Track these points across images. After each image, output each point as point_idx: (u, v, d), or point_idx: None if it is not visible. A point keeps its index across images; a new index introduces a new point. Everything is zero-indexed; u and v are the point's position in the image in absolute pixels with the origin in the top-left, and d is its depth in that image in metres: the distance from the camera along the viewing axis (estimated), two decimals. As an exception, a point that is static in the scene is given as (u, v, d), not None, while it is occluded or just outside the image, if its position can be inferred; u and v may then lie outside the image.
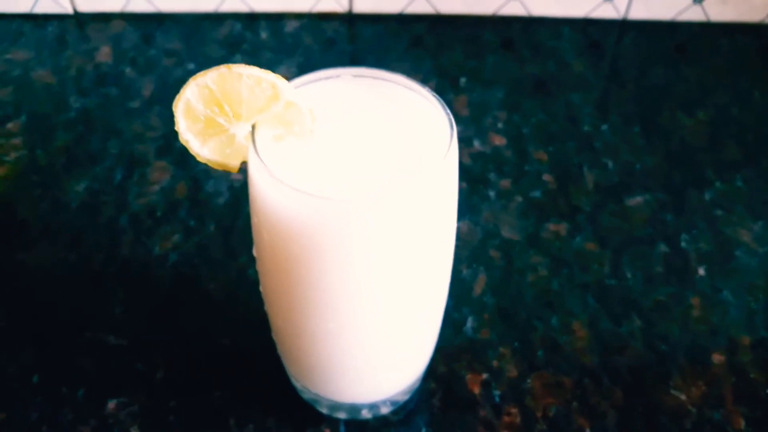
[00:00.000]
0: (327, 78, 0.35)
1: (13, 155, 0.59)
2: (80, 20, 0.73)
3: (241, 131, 0.31)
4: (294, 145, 0.32)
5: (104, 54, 0.69)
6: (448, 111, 0.33)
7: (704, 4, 0.72)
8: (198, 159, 0.32)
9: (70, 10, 0.73)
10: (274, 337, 0.42)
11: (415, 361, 0.41)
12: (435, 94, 0.34)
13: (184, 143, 0.31)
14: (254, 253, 0.37)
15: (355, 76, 0.36)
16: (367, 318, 0.34)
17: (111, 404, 0.44)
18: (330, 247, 0.31)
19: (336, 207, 0.29)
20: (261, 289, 0.39)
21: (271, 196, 0.31)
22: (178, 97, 0.30)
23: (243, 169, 0.34)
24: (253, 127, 0.31)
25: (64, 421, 0.44)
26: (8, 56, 0.68)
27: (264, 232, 0.33)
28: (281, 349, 0.42)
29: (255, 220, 0.34)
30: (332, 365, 0.38)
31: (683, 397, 0.45)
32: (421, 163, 0.31)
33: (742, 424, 0.44)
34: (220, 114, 0.30)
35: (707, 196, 0.58)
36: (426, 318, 0.38)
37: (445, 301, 0.39)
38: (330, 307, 0.33)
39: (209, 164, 0.32)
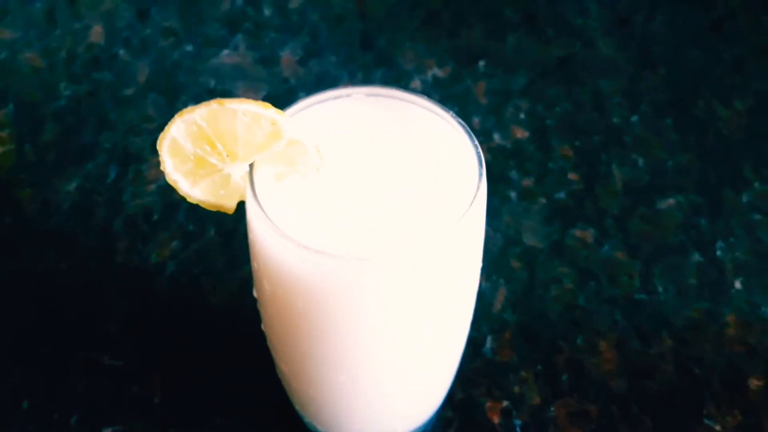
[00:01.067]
0: (336, 98, 0.31)
1: (0, 149, 0.56)
2: (70, -5, 0.68)
3: (238, 171, 0.27)
4: (298, 184, 0.28)
5: (96, 34, 0.64)
6: (476, 140, 0.29)
7: (745, -22, 0.66)
8: (188, 200, 0.28)
9: (59, -16, 0.67)
10: (279, 375, 0.39)
11: (429, 403, 0.38)
12: (460, 120, 0.30)
13: (172, 184, 0.28)
14: (254, 294, 0.33)
15: (368, 95, 0.31)
16: (379, 372, 0.31)
17: (107, 431, 0.42)
18: (339, 305, 0.27)
19: (347, 266, 0.26)
20: (263, 327, 0.35)
21: (272, 247, 0.27)
22: (162, 134, 0.27)
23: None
24: (251, 166, 0.27)
25: (56, 452, 0.41)
26: (-6, 36, 0.64)
27: (265, 281, 0.29)
28: (285, 385, 0.38)
29: (255, 266, 0.30)
30: (342, 410, 0.35)
31: (718, 427, 0.43)
32: (444, 210, 0.27)
33: (782, 458, 0.41)
34: (213, 153, 0.27)
35: (745, 198, 0.53)
36: (442, 365, 0.34)
37: (462, 348, 0.36)
38: (339, 361, 0.30)
39: (201, 205, 0.28)
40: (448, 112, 0.30)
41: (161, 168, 0.27)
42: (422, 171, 0.29)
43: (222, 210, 0.29)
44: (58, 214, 0.52)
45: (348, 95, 0.31)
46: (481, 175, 0.28)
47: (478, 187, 0.27)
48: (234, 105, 0.26)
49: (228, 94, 0.59)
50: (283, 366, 0.35)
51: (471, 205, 0.26)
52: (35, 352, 0.45)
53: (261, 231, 0.27)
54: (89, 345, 0.45)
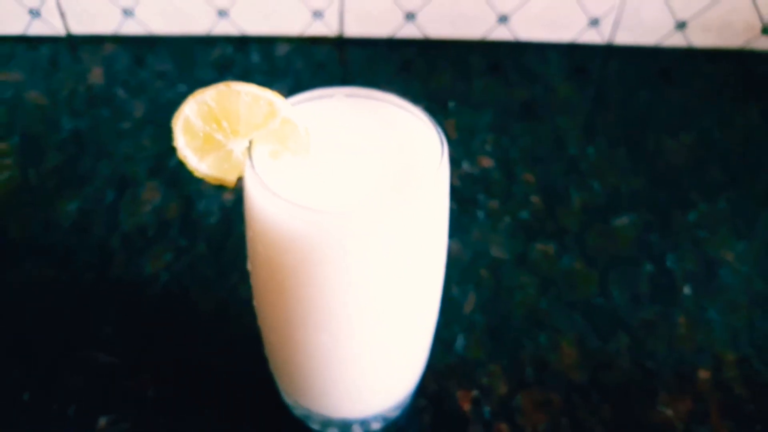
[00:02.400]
0: (321, 97, 0.36)
1: (4, 174, 0.60)
2: (73, 42, 0.73)
3: (239, 147, 0.32)
4: (290, 162, 0.33)
5: (96, 75, 0.70)
6: (439, 128, 0.34)
7: (686, 30, 0.74)
8: (195, 174, 0.33)
9: (62, 33, 0.73)
10: (267, 353, 0.42)
11: (407, 375, 0.41)
12: (426, 112, 0.35)
13: (182, 159, 0.32)
14: (248, 267, 0.37)
15: (348, 95, 0.36)
16: (361, 329, 0.35)
17: (102, 421, 0.44)
18: (325, 259, 0.31)
19: (331, 220, 0.30)
20: (254, 303, 0.39)
21: (267, 210, 0.31)
22: (177, 113, 0.31)
23: (237, 187, 0.34)
24: (250, 143, 0.32)
25: (54, 439, 0.44)
26: (0, 78, 0.69)
27: (259, 245, 0.33)
28: (273, 365, 0.42)
29: (250, 234, 0.34)
30: (325, 379, 0.38)
31: (670, 412, 0.46)
32: (415, 177, 0.32)
33: (729, 439, 0.45)
34: (219, 130, 0.31)
35: (691, 218, 0.59)
36: (418, 329, 0.38)
37: (437, 313, 0.40)
38: (324, 318, 0.34)
39: (206, 179, 0.33)
40: (415, 106, 0.35)
41: (174, 144, 0.32)
42: (395, 151, 0.34)
43: (224, 184, 0.33)
44: (59, 231, 0.55)
45: (331, 95, 0.36)
46: (443, 151, 0.32)
47: (441, 159, 0.32)
48: (238, 87, 0.30)
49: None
50: (272, 335, 0.38)
51: (437, 170, 0.31)
52: (36, 351, 0.48)
53: (257, 196, 0.31)
54: (86, 344, 0.48)
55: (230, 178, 0.33)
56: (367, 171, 0.33)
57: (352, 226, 0.30)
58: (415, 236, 0.32)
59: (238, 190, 0.59)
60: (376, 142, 0.34)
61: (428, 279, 0.35)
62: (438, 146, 0.33)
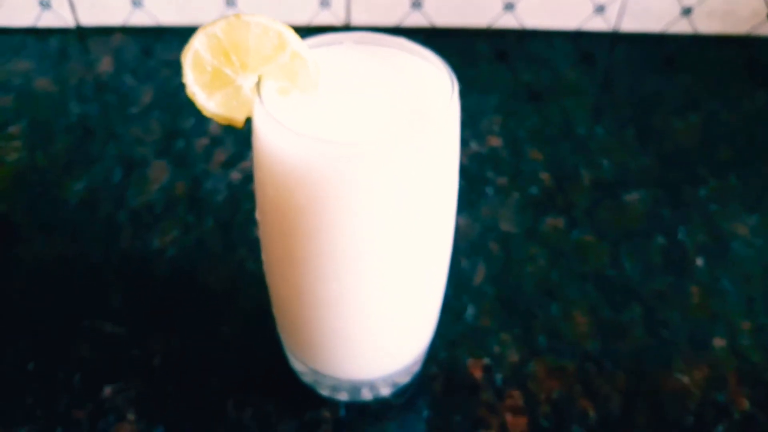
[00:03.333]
0: (330, 44, 0.36)
1: (13, 156, 0.60)
2: (82, 34, 0.74)
3: (248, 83, 0.32)
4: (299, 99, 0.33)
5: (105, 65, 0.70)
6: (450, 69, 0.34)
7: (692, 16, 0.74)
8: (204, 113, 0.32)
9: (72, 24, 0.74)
10: (275, 311, 0.42)
11: (416, 334, 0.41)
12: (436, 54, 0.35)
13: (190, 96, 0.32)
14: (257, 216, 0.37)
15: (357, 42, 0.36)
16: (370, 275, 0.34)
17: (107, 389, 0.44)
18: (335, 194, 0.31)
19: (341, 150, 0.30)
20: (263, 257, 0.39)
21: (276, 144, 0.31)
22: (186, 47, 0.31)
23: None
24: (259, 79, 0.32)
25: (59, 406, 0.43)
26: (10, 67, 0.69)
27: (268, 186, 0.33)
28: (281, 323, 0.41)
29: (259, 176, 0.34)
30: (333, 334, 0.38)
31: (686, 379, 0.45)
32: (426, 113, 0.32)
33: (747, 405, 0.44)
34: (227, 64, 0.31)
35: (702, 193, 0.58)
36: (428, 281, 0.37)
37: (447, 266, 0.39)
38: (333, 263, 0.33)
39: (215, 119, 0.33)
40: (425, 48, 0.35)
41: (183, 80, 0.32)
42: (405, 91, 0.33)
43: (232, 123, 0.33)
44: (67, 209, 0.55)
45: (340, 42, 0.36)
46: (453, 88, 0.32)
47: (452, 96, 0.32)
48: (248, 18, 0.30)
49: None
50: (281, 288, 0.37)
51: (448, 105, 0.31)
52: (41, 322, 0.47)
53: (265, 130, 0.31)
54: (93, 315, 0.48)
55: (239, 117, 0.33)
56: (377, 108, 0.32)
57: (363, 157, 0.30)
58: (426, 170, 0.31)
59: (245, 170, 0.59)
60: (386, 83, 0.34)
61: (439, 221, 0.34)
62: (448, 85, 0.33)
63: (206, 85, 0.31)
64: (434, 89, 0.33)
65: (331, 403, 0.43)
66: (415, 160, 0.30)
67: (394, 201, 0.31)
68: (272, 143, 0.31)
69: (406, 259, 0.34)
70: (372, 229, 0.32)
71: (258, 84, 0.32)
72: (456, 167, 0.34)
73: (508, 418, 0.43)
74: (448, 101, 0.32)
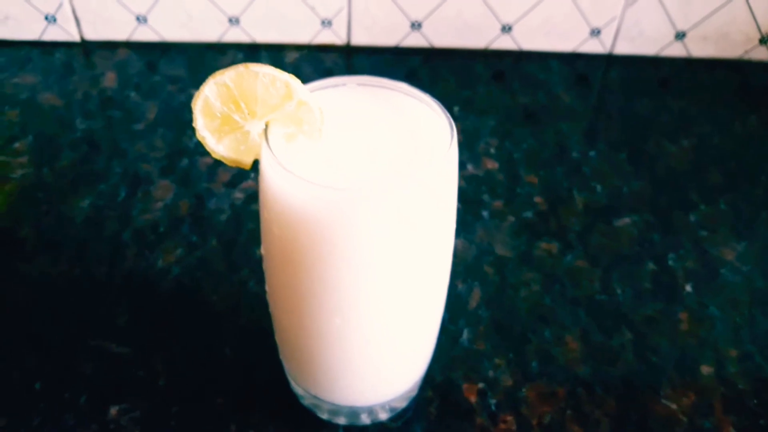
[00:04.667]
0: (334, 86, 0.38)
1: (19, 172, 0.61)
2: (87, 48, 0.75)
3: (256, 129, 0.33)
4: (304, 144, 0.34)
5: (110, 80, 0.71)
6: (448, 114, 0.35)
7: (686, 40, 0.76)
8: (213, 155, 0.34)
9: (77, 38, 0.75)
10: (277, 339, 0.43)
11: (415, 361, 0.42)
12: (436, 100, 0.36)
13: (200, 140, 0.33)
14: (261, 251, 0.38)
15: (360, 84, 0.38)
16: (372, 310, 0.36)
17: (113, 410, 0.45)
18: (338, 237, 0.32)
19: (345, 196, 0.31)
20: (267, 288, 0.40)
21: (282, 188, 0.32)
22: (197, 95, 0.32)
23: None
24: (267, 125, 0.33)
25: (65, 427, 0.44)
26: (16, 80, 0.70)
27: (274, 225, 0.34)
28: (283, 351, 0.43)
29: (265, 215, 0.35)
30: (334, 364, 0.39)
31: (674, 406, 0.47)
32: (426, 158, 0.33)
33: (732, 432, 0.45)
34: (236, 111, 0.32)
35: (692, 218, 0.60)
36: (427, 314, 0.39)
37: (445, 297, 0.40)
38: (336, 300, 0.35)
39: (224, 161, 0.34)
40: (425, 94, 0.36)
41: (193, 125, 0.33)
42: (406, 136, 0.35)
43: (240, 165, 0.34)
44: (72, 226, 0.56)
45: (343, 84, 0.38)
46: (452, 134, 0.34)
47: (451, 143, 0.33)
48: (256, 68, 0.32)
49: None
50: (284, 319, 0.39)
51: (448, 151, 0.32)
52: (48, 342, 0.48)
53: (272, 175, 0.32)
54: (98, 335, 0.49)
55: (246, 160, 0.34)
56: (379, 153, 0.34)
57: (365, 202, 0.31)
58: (426, 213, 0.33)
59: (249, 189, 0.60)
60: (387, 127, 0.35)
61: (437, 258, 0.36)
62: (448, 130, 0.34)
63: (216, 130, 0.33)
64: (434, 134, 0.35)
65: (330, 426, 0.45)
66: (414, 204, 0.32)
67: (395, 242, 0.33)
68: (278, 187, 0.32)
69: (406, 295, 0.36)
70: (374, 268, 0.33)
71: (265, 130, 0.33)
72: (454, 207, 0.36)
73: (501, 442, 0.45)
74: (447, 147, 0.33)
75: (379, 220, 0.31)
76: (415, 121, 0.36)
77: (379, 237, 0.32)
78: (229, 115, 0.32)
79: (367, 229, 0.32)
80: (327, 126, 0.34)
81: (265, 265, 0.38)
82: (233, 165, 0.34)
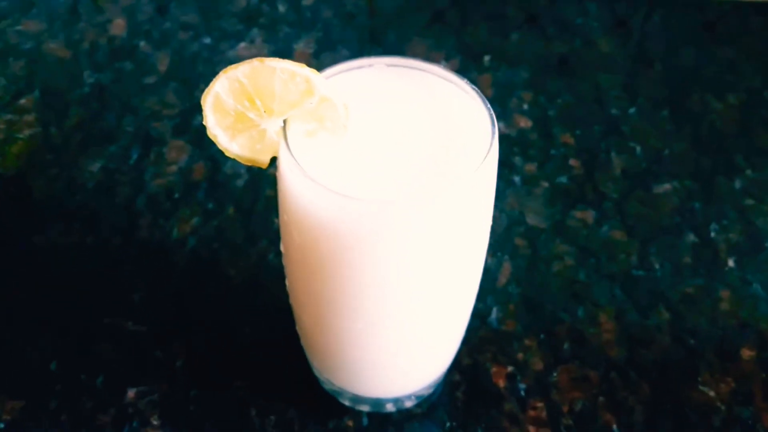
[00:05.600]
0: (360, 67, 0.34)
1: (26, 132, 0.58)
2: (93, -10, 0.71)
3: (273, 126, 0.30)
4: (327, 141, 0.31)
5: (118, 27, 0.67)
6: (489, 105, 0.32)
7: (737, -19, 0.70)
8: (226, 154, 0.31)
9: (82, -20, 0.70)
10: (298, 330, 0.41)
11: (441, 358, 0.40)
12: (475, 87, 0.33)
13: (212, 138, 0.30)
14: (281, 248, 0.36)
15: (389, 65, 0.34)
16: (396, 319, 0.33)
17: (131, 393, 0.44)
18: (363, 249, 0.29)
19: (371, 209, 0.28)
20: (287, 283, 0.38)
21: (304, 196, 0.29)
22: (207, 90, 0.29)
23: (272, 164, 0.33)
24: (285, 122, 0.30)
25: (83, 410, 0.43)
26: (20, 27, 0.67)
27: (294, 231, 0.31)
28: (305, 343, 0.41)
29: (284, 218, 0.32)
30: (358, 363, 0.37)
31: (712, 393, 0.45)
32: (461, 163, 0.30)
33: (772, 422, 0.44)
34: (251, 109, 0.29)
35: (737, 185, 0.56)
36: (454, 318, 0.37)
37: (473, 302, 0.38)
38: (359, 308, 0.33)
39: (238, 159, 0.31)
40: (462, 79, 0.33)
41: (203, 122, 0.30)
42: (440, 130, 0.31)
43: (256, 164, 0.31)
44: (83, 192, 0.54)
45: (370, 65, 0.34)
46: (493, 133, 0.30)
47: (491, 143, 0.30)
48: (273, 63, 0.28)
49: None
50: (305, 318, 0.37)
51: (486, 156, 0.29)
52: (62, 319, 0.47)
53: (293, 180, 0.29)
54: (114, 312, 0.47)
55: (263, 159, 0.31)
56: (409, 153, 0.31)
57: (391, 216, 0.28)
58: (459, 227, 0.30)
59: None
60: (419, 118, 0.32)
61: (469, 268, 0.33)
62: (488, 125, 0.31)
63: (229, 127, 0.30)
64: (472, 129, 0.31)
65: (353, 412, 0.43)
66: (445, 219, 0.29)
67: (423, 255, 0.30)
68: (299, 193, 0.30)
69: (432, 303, 0.33)
70: (399, 279, 0.31)
71: (284, 128, 0.30)
72: (489, 216, 0.33)
73: (531, 430, 0.43)
74: (487, 149, 0.30)
75: (406, 234, 0.29)
76: (450, 112, 0.32)
77: (405, 250, 0.29)
78: (243, 113, 0.29)
79: (392, 242, 0.29)
80: (352, 118, 0.31)
81: (285, 262, 0.36)
82: (248, 164, 0.31)
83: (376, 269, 0.30)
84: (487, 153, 0.29)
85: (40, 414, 0.43)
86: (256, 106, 0.29)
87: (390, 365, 0.37)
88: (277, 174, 0.32)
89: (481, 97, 0.32)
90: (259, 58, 0.28)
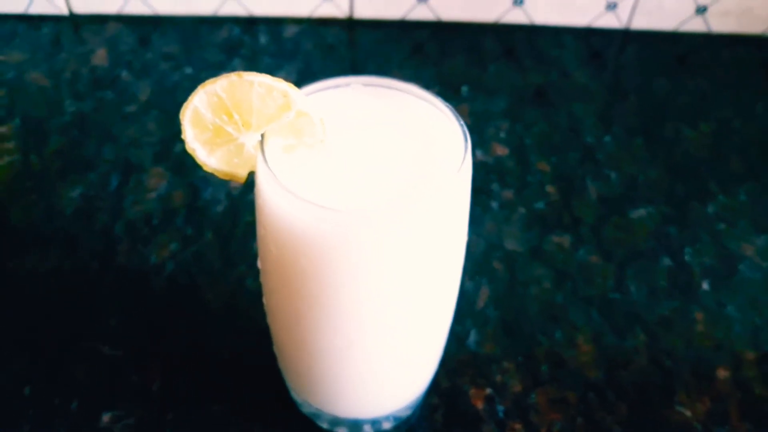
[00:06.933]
0: (336, 87, 0.35)
1: (5, 159, 0.58)
2: (76, 22, 0.72)
3: (250, 141, 0.30)
4: (304, 155, 0.31)
5: (100, 57, 0.68)
6: (462, 122, 0.32)
7: (706, 15, 0.72)
8: (204, 168, 0.31)
9: (65, 11, 0.71)
10: (276, 351, 0.41)
11: (419, 376, 0.40)
12: (448, 104, 0.33)
13: (190, 152, 0.30)
14: (258, 265, 0.36)
15: (365, 84, 0.35)
16: (374, 333, 0.33)
17: (105, 417, 0.43)
18: (340, 259, 0.30)
19: (347, 219, 0.28)
20: (264, 301, 0.38)
21: (280, 207, 0.30)
22: (185, 105, 0.30)
23: (248, 180, 0.33)
24: (263, 136, 0.31)
25: (57, 435, 0.43)
26: (2, 58, 0.67)
27: (271, 244, 0.32)
28: (282, 363, 0.41)
29: (262, 232, 0.33)
30: (336, 381, 0.37)
31: (688, 413, 0.45)
32: (435, 175, 0.30)
33: (749, 441, 0.44)
34: (230, 123, 0.30)
35: (710, 209, 0.57)
36: (432, 333, 0.37)
37: (452, 317, 0.38)
38: (337, 322, 0.33)
39: (216, 174, 0.31)
40: (436, 97, 0.33)
41: (182, 137, 0.30)
42: (414, 145, 0.32)
43: (234, 179, 0.31)
44: (62, 218, 0.54)
45: (347, 84, 0.35)
46: (466, 147, 0.31)
47: (464, 156, 0.30)
48: (251, 77, 0.29)
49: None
50: (283, 336, 0.37)
51: (461, 166, 0.30)
52: (37, 343, 0.47)
53: (270, 193, 0.30)
54: (90, 336, 0.47)
55: (241, 173, 0.31)
56: (385, 167, 0.31)
57: (368, 226, 0.28)
58: (434, 236, 0.30)
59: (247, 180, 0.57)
60: (394, 134, 0.33)
61: (445, 279, 0.34)
62: (461, 140, 0.31)
63: (207, 142, 0.30)
64: (446, 144, 0.32)
65: (331, 436, 0.43)
66: (422, 228, 0.29)
67: (400, 265, 0.30)
68: (276, 206, 0.30)
69: (411, 316, 0.33)
70: (377, 290, 0.31)
71: (261, 142, 0.30)
72: (465, 225, 0.33)
73: (510, 452, 0.43)
74: (461, 162, 0.30)
75: (383, 243, 0.29)
76: (425, 129, 0.33)
77: (382, 259, 0.30)
78: (221, 127, 0.30)
79: (370, 252, 0.29)
80: (329, 134, 0.32)
81: (263, 278, 0.36)
82: (226, 178, 0.31)
83: (354, 281, 0.30)
84: (462, 163, 0.30)
85: (12, 439, 0.42)
86: (234, 120, 0.30)
87: (368, 383, 0.37)
88: (255, 188, 0.32)
89: (454, 113, 0.33)
90: (237, 72, 0.29)
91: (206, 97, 0.29)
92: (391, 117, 0.33)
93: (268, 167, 0.29)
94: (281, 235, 0.30)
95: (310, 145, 0.31)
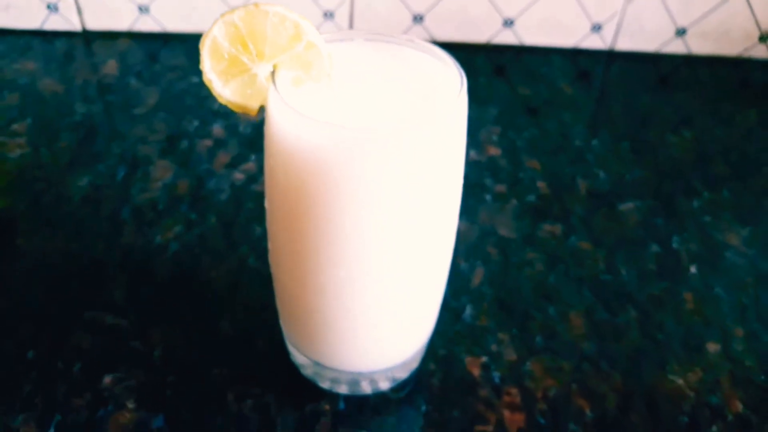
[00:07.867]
0: (341, 40, 0.37)
1: (17, 152, 0.60)
2: (88, 38, 0.75)
3: (263, 71, 0.33)
4: (312, 89, 0.33)
5: (110, 67, 0.71)
6: (458, 65, 0.35)
7: (686, 37, 0.76)
8: (219, 100, 0.33)
9: (78, 28, 0.75)
10: (278, 303, 0.42)
11: (417, 327, 0.41)
12: (446, 51, 0.36)
13: (207, 83, 0.33)
14: (266, 204, 0.38)
15: (367, 39, 0.37)
16: (376, 264, 0.35)
17: (107, 379, 0.44)
18: (346, 179, 0.31)
19: (353, 135, 0.30)
20: (269, 245, 0.39)
21: (289, 131, 0.32)
22: (205, 35, 0.32)
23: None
24: (274, 68, 0.33)
25: (57, 394, 0.43)
26: (16, 66, 0.70)
27: (280, 172, 0.34)
28: (284, 314, 0.42)
29: (270, 162, 0.34)
30: (337, 322, 0.38)
31: (680, 381, 0.46)
32: (436, 105, 0.33)
33: (740, 407, 0.44)
34: (244, 52, 0.32)
35: (696, 204, 0.59)
36: (431, 274, 0.38)
37: (450, 260, 0.40)
38: (341, 250, 0.34)
39: (229, 106, 0.33)
40: (435, 47, 0.36)
41: (200, 67, 0.32)
42: (415, 85, 0.34)
43: (246, 111, 0.34)
44: (70, 203, 0.56)
45: (351, 39, 0.37)
46: (462, 83, 0.33)
47: (461, 87, 0.33)
48: (267, 7, 0.31)
49: (231, 116, 0.65)
50: (285, 277, 0.38)
51: (458, 97, 0.32)
52: (43, 313, 0.47)
53: (279, 118, 0.32)
54: (94, 307, 0.48)
55: (253, 105, 0.34)
56: (388, 99, 0.33)
57: (375, 142, 0.30)
58: (435, 158, 0.32)
59: (249, 171, 0.59)
60: (396, 75, 0.35)
61: (444, 211, 0.35)
62: (458, 79, 0.34)
63: (223, 72, 0.32)
64: (443, 82, 0.34)
65: (330, 396, 0.44)
66: (424, 147, 0.31)
67: (403, 187, 0.32)
68: (285, 129, 0.32)
69: (411, 247, 0.35)
70: (380, 216, 0.33)
71: (273, 73, 0.33)
72: (462, 159, 0.35)
73: (506, 414, 0.44)
74: (458, 92, 0.33)
75: (389, 162, 0.31)
76: (424, 72, 0.35)
77: (387, 180, 0.31)
78: (236, 57, 0.32)
79: (375, 171, 0.31)
80: (336, 74, 0.34)
81: (268, 220, 0.38)
82: (239, 110, 0.34)
83: (359, 204, 0.32)
84: (459, 91, 0.32)
85: (13, 398, 0.42)
86: (248, 50, 0.32)
87: (367, 327, 0.38)
88: (265, 118, 0.34)
89: (451, 59, 0.35)
90: (255, 3, 0.32)
91: (225, 27, 0.31)
92: (393, 63, 0.36)
93: (278, 93, 0.32)
94: (289, 159, 0.32)
95: (318, 79, 0.33)
